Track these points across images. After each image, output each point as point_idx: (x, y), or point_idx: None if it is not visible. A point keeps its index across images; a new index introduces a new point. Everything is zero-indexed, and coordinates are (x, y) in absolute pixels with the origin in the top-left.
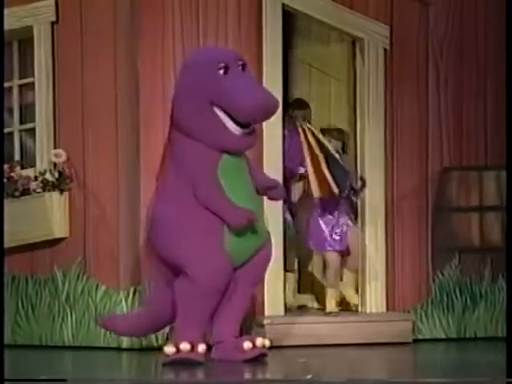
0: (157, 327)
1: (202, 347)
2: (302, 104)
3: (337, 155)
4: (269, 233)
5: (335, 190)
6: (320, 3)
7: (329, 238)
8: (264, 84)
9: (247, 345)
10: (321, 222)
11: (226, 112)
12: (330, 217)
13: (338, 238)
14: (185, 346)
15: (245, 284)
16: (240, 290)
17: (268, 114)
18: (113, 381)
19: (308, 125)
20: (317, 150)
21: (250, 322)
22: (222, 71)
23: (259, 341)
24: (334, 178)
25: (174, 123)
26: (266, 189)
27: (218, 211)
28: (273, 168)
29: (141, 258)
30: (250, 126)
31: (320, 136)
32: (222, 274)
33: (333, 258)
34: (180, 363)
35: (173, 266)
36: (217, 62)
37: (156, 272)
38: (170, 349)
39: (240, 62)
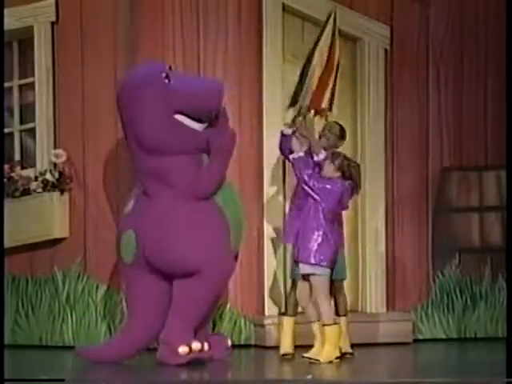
0: (142, 348)
1: (206, 346)
2: None
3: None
4: None
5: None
6: (320, 3)
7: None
8: (264, 83)
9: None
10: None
11: (185, 115)
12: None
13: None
14: (196, 345)
15: None
16: None
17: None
18: (112, 381)
19: None
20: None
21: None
22: (166, 80)
23: None
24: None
25: (141, 143)
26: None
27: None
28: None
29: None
30: (206, 121)
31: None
32: (231, 274)
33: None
34: (192, 362)
35: (178, 274)
36: (159, 72)
37: (144, 290)
38: (184, 349)
39: (168, 66)
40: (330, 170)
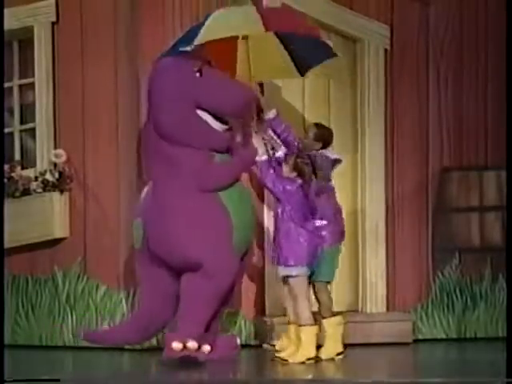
0: (148, 334)
1: (206, 348)
2: None
3: None
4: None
5: None
6: (320, 3)
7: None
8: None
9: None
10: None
11: (208, 112)
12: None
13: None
14: (193, 345)
15: None
16: None
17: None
18: (109, 381)
19: None
20: None
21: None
22: (198, 74)
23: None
24: None
25: (157, 129)
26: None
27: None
28: None
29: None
30: (229, 122)
31: None
32: (234, 272)
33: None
34: (183, 360)
35: (179, 266)
36: (192, 64)
37: (150, 276)
38: (177, 345)
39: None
40: (286, 170)
